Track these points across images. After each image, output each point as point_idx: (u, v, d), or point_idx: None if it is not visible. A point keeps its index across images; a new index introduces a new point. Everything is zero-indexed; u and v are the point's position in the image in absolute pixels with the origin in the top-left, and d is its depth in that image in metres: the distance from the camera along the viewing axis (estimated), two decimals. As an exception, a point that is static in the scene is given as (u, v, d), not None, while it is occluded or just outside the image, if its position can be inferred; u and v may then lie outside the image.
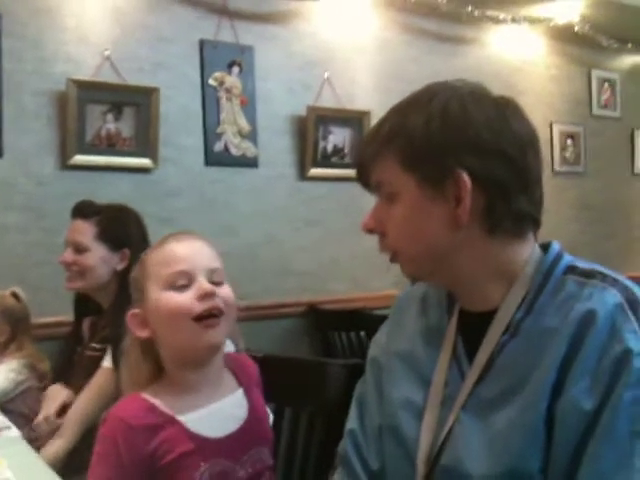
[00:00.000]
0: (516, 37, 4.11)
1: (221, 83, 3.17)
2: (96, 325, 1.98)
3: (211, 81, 3.15)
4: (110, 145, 2.89)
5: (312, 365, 1.60)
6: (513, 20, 3.99)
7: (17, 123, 2.73)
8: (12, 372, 2.10)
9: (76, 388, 1.88)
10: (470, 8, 3.75)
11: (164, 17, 3.05)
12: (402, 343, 1.05)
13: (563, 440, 0.84)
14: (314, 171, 3.42)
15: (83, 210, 2.00)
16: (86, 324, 2.03)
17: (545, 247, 0.97)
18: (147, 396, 1.14)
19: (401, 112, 0.95)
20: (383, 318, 1.15)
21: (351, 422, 1.09)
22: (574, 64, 4.49)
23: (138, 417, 1.10)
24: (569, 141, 4.44)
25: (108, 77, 2.87)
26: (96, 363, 1.85)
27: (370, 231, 0.99)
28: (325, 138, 3.45)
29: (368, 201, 1.02)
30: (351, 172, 1.05)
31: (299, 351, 3.28)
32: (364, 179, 0.99)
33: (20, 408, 2.06)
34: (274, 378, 1.31)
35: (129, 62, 2.93)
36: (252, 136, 3.24)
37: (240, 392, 1.22)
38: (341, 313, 3.24)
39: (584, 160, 4.50)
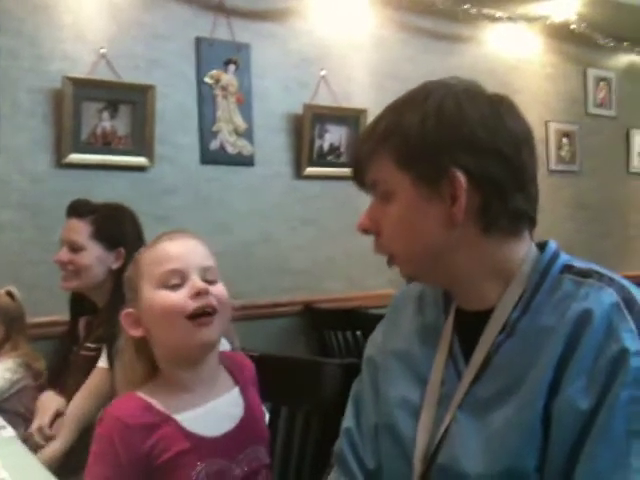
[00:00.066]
0: (512, 35, 4.11)
1: (217, 81, 3.16)
2: (92, 324, 1.97)
3: (207, 79, 3.14)
4: (106, 143, 2.88)
5: (308, 364, 1.59)
6: (509, 18, 3.99)
7: (12, 120, 2.72)
8: (7, 371, 2.09)
9: (71, 388, 1.86)
10: (466, 6, 3.75)
11: (160, 14, 3.04)
12: (398, 342, 1.05)
13: (559, 439, 0.84)
14: (310, 170, 3.41)
15: (78, 209, 2.00)
16: (82, 323, 2.03)
17: (542, 246, 0.97)
18: (143, 395, 1.14)
19: (397, 110, 0.95)
20: (379, 317, 1.15)
21: (347, 421, 1.09)
22: (570, 62, 4.49)
23: (134, 416, 1.10)
24: (565, 140, 4.44)
25: (104, 75, 2.86)
26: (91, 363, 1.84)
27: (365, 231, 0.99)
28: (321, 136, 3.44)
29: (364, 200, 1.01)
30: (347, 171, 1.04)
31: (295, 350, 3.27)
32: (359, 178, 0.99)
33: (16, 407, 2.06)
34: (270, 377, 1.31)
35: (125, 60, 2.93)
36: (248, 134, 3.23)
37: (236, 391, 1.22)
38: (337, 312, 3.24)
39: (580, 159, 4.50)
